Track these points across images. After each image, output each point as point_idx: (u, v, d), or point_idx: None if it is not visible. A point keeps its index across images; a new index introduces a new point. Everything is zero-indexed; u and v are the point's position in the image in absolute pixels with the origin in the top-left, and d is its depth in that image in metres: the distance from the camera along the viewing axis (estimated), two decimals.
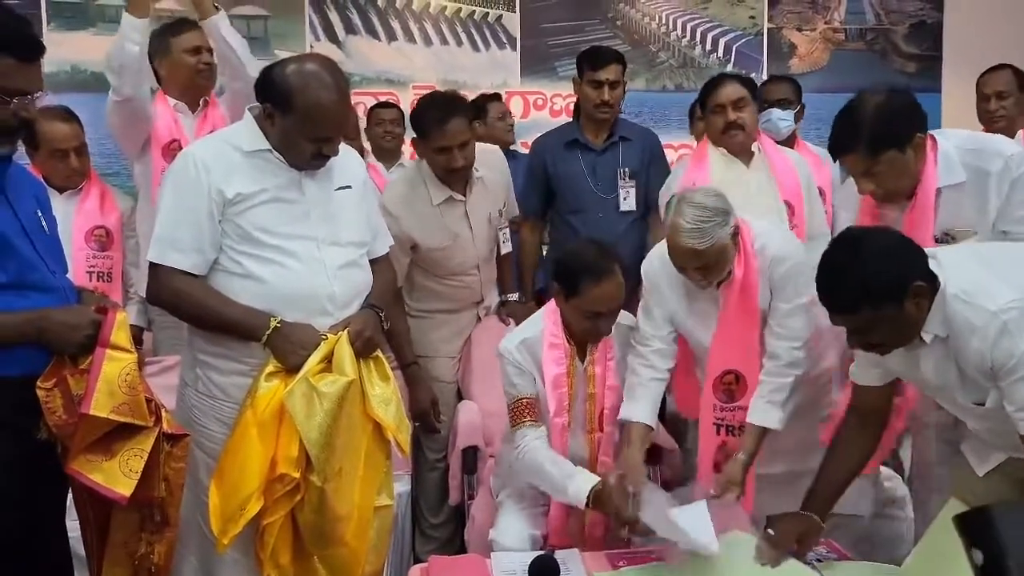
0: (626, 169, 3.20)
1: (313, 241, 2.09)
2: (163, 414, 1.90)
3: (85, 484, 1.83)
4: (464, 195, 2.89)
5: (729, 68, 5.56)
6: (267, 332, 2.01)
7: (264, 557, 2.05)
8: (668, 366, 2.43)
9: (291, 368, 2.01)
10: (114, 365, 1.80)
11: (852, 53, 5.60)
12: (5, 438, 1.80)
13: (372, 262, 2.26)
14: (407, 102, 5.36)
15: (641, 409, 2.37)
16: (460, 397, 3.09)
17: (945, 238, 2.16)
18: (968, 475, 2.09)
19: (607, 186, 3.20)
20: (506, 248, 3.07)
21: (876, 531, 2.57)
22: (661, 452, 2.74)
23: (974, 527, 1.83)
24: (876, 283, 1.82)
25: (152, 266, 2.06)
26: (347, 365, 2.02)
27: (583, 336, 2.40)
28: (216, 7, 2.98)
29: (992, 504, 1.86)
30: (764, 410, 2.31)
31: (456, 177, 2.83)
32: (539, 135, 3.53)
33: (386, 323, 2.20)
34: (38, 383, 1.78)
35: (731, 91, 2.85)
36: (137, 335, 2.92)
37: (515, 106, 5.33)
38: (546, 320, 2.45)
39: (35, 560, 1.89)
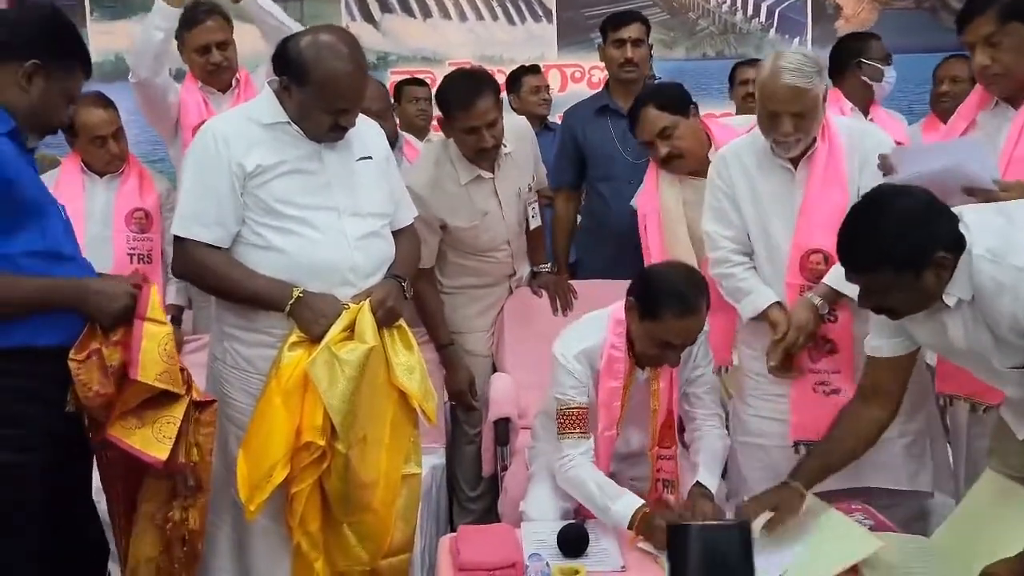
0: None
1: (334, 212, 2.10)
2: (192, 382, 1.97)
3: (123, 449, 1.88)
4: (492, 172, 2.85)
5: (772, 33, 5.46)
6: (290, 302, 2.04)
7: (294, 524, 2.08)
8: (750, 262, 2.40)
9: (314, 337, 2.03)
10: (152, 336, 1.87)
11: (901, 12, 5.43)
12: (35, 410, 1.85)
13: (395, 233, 2.26)
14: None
15: (766, 292, 2.34)
16: (495, 369, 3.08)
17: None
18: (1007, 441, 2.02)
19: (636, 152, 3.12)
20: (535, 223, 3.03)
21: (935, 508, 2.49)
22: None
23: (672, 539, 1.92)
24: (897, 248, 1.77)
25: (177, 240, 2.10)
26: (368, 333, 2.04)
27: (646, 360, 2.28)
28: None
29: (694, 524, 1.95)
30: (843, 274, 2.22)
31: (485, 156, 2.79)
32: (565, 110, 3.51)
33: (408, 292, 2.21)
34: (71, 355, 1.83)
35: (653, 124, 2.71)
36: (177, 314, 2.98)
37: (552, 79, 5.28)
38: (609, 330, 2.29)
39: (65, 532, 1.94)
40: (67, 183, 2.98)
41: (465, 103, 2.67)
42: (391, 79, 5.17)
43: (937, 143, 2.27)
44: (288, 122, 2.08)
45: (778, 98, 2.24)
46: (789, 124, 2.25)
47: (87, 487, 2.04)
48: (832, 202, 2.29)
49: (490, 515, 3.04)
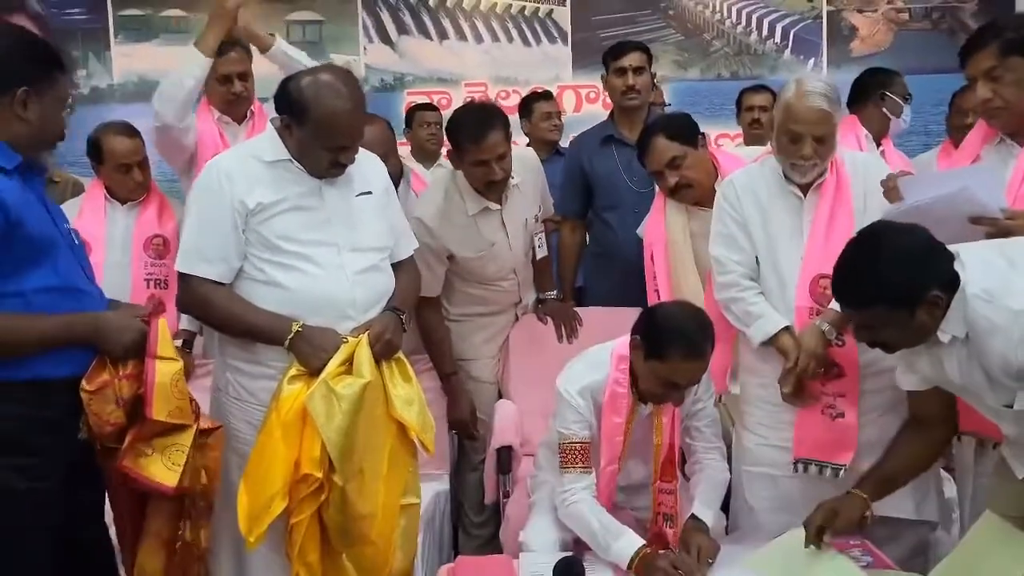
0: None
1: (334, 247, 2.14)
2: (199, 411, 2.06)
3: (134, 478, 1.96)
4: (500, 204, 2.87)
5: (787, 54, 5.46)
6: (289, 336, 2.07)
7: (293, 555, 2.11)
8: (759, 288, 2.40)
9: (313, 371, 2.07)
10: (165, 374, 1.96)
11: (917, 34, 5.41)
12: (51, 439, 1.90)
13: (395, 265, 2.30)
14: (459, 100, 5.43)
15: (776, 317, 2.35)
16: (500, 396, 3.10)
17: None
18: (1006, 481, 2.01)
19: (643, 181, 3.13)
20: (541, 253, 3.05)
21: (937, 542, 2.47)
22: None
23: None
24: (891, 287, 1.79)
25: (181, 276, 2.15)
26: (366, 368, 2.07)
27: (649, 397, 2.29)
28: (272, 35, 3.05)
29: None
30: None
31: (493, 189, 2.81)
32: (577, 134, 3.54)
33: (407, 325, 2.24)
34: (83, 386, 1.90)
35: (662, 155, 2.73)
36: (189, 339, 3.02)
37: (567, 100, 5.33)
38: (612, 366, 2.30)
39: (75, 556, 2.00)
40: (90, 209, 3.06)
41: (475, 137, 2.69)
42: (407, 100, 5.25)
43: (944, 171, 2.26)
44: (290, 159, 2.12)
45: (804, 119, 2.28)
46: (810, 147, 2.29)
47: (98, 511, 2.10)
48: (840, 229, 2.31)
49: (495, 541, 3.05)
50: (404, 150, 4.68)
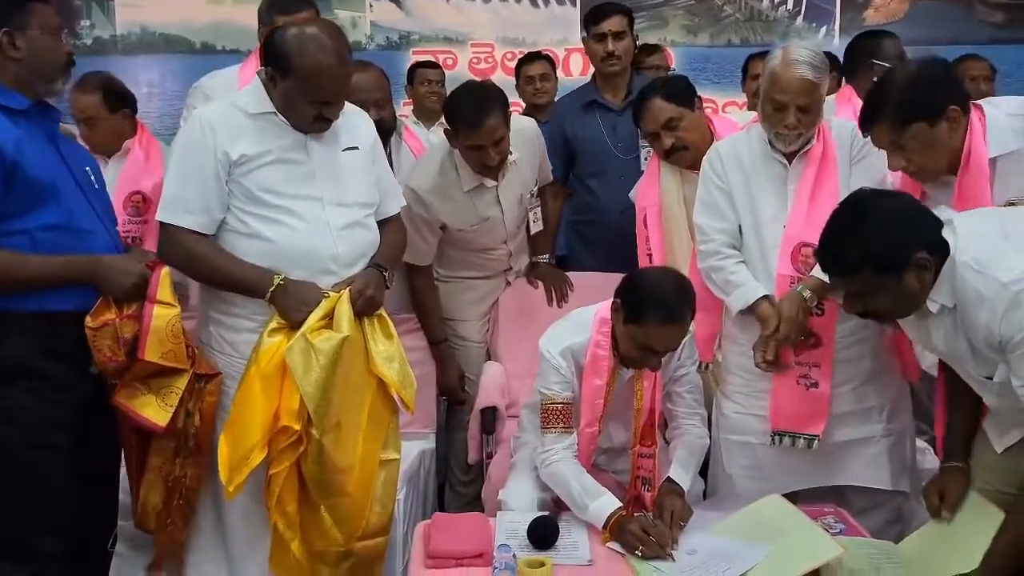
0: None
1: (318, 201, 2.13)
2: (197, 355, 2.14)
3: (126, 414, 2.08)
4: (496, 180, 2.83)
5: (799, 21, 5.37)
6: (271, 289, 2.08)
7: (271, 505, 2.13)
8: (740, 256, 2.40)
9: (293, 324, 2.08)
10: (161, 318, 2.05)
11: (932, 4, 5.30)
12: (59, 367, 2.02)
13: (381, 222, 2.29)
14: (465, 60, 5.38)
15: (756, 286, 2.35)
16: (489, 357, 3.11)
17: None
18: (986, 455, 2.01)
19: (627, 146, 3.12)
20: (536, 227, 3.02)
21: (912, 513, 2.48)
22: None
23: None
24: (877, 250, 1.78)
25: (163, 226, 2.15)
26: (345, 323, 2.08)
27: (628, 361, 2.30)
28: None
29: None
30: None
31: (489, 172, 2.77)
32: (560, 98, 3.49)
33: (391, 282, 2.24)
34: (87, 322, 2.00)
35: (658, 115, 2.69)
36: (183, 292, 3.04)
37: (575, 63, 5.27)
38: (594, 329, 2.31)
39: (90, 484, 2.11)
40: None
41: (472, 122, 2.64)
42: (413, 58, 5.19)
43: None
44: (274, 112, 2.11)
45: (789, 88, 2.26)
46: (794, 116, 2.28)
47: (112, 446, 2.18)
48: (825, 198, 2.31)
49: (480, 500, 3.09)
50: (407, 109, 4.68)
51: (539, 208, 3.05)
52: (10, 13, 1.95)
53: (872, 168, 2.32)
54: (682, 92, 2.75)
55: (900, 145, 2.05)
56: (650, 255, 2.75)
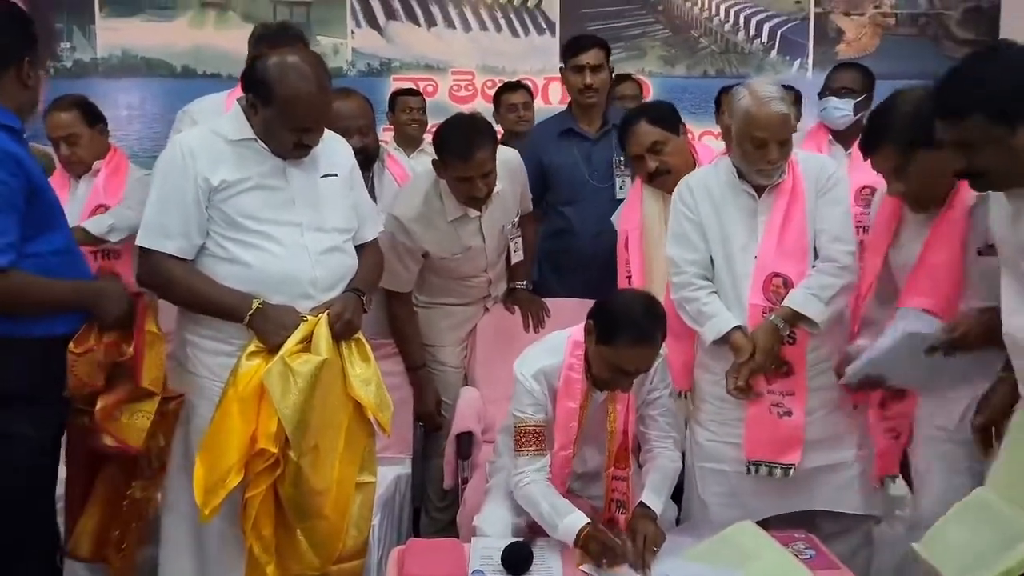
0: (622, 158, 3.14)
1: (297, 227, 2.16)
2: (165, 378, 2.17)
3: (110, 438, 2.10)
4: (479, 211, 2.86)
5: (773, 54, 5.48)
6: (250, 313, 2.10)
7: (247, 528, 2.13)
8: (712, 287, 2.43)
9: (272, 348, 2.09)
10: (152, 349, 2.13)
11: (903, 39, 5.44)
12: (52, 392, 2.04)
13: (359, 247, 2.32)
14: (446, 87, 5.44)
15: (728, 316, 2.37)
16: (467, 382, 3.13)
17: (989, 250, 1.98)
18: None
19: (602, 175, 3.17)
20: (517, 258, 3.06)
21: (880, 536, 2.53)
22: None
23: None
24: (994, 93, 1.66)
25: (142, 251, 2.17)
26: (323, 346, 2.09)
27: (601, 383, 2.34)
28: None
29: None
30: (806, 299, 2.31)
31: (475, 204, 2.80)
32: (536, 125, 3.53)
33: (368, 306, 2.26)
34: (71, 348, 2.03)
35: (644, 138, 2.74)
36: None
37: (554, 92, 5.34)
38: (567, 352, 2.34)
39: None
40: (55, 183, 3.08)
41: (463, 155, 2.66)
42: (394, 85, 5.25)
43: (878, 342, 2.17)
44: (254, 139, 2.14)
45: (769, 126, 2.31)
46: (776, 151, 2.32)
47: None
48: (794, 229, 2.37)
49: (455, 525, 3.09)
50: (387, 135, 4.73)
51: (520, 239, 3.08)
52: (34, 46, 2.04)
53: (838, 200, 2.39)
54: (667, 117, 2.81)
55: (903, 171, 2.05)
56: (629, 278, 2.79)
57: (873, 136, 2.10)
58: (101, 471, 2.16)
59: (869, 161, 2.17)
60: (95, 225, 3.01)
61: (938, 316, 2.05)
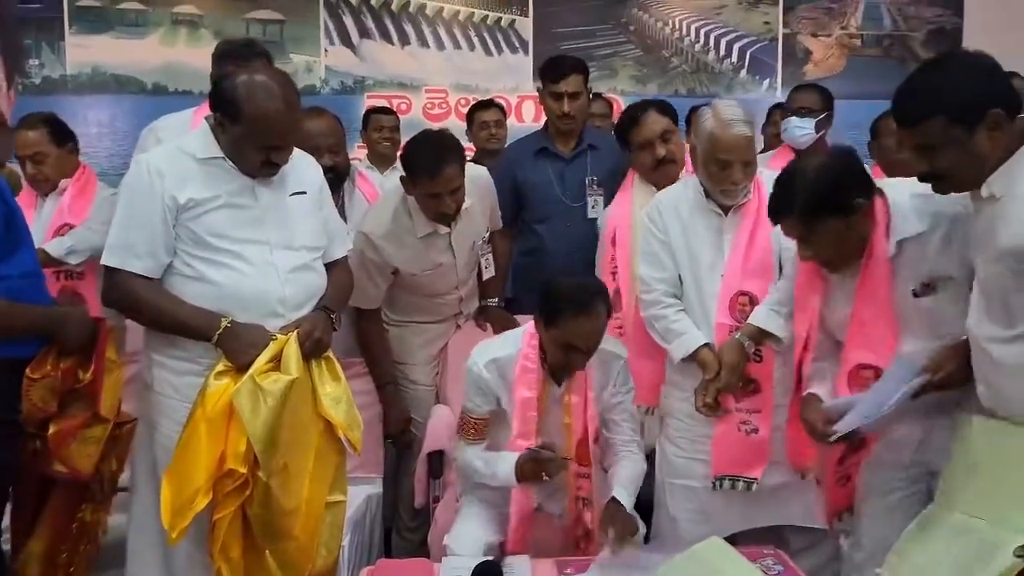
0: (594, 177, 3.19)
1: (266, 245, 2.15)
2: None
3: (61, 464, 2.09)
4: (449, 227, 2.86)
5: (743, 74, 5.55)
6: (218, 332, 2.08)
7: (215, 550, 2.10)
8: (681, 304, 2.47)
9: (241, 367, 2.07)
10: (111, 376, 2.14)
11: (869, 59, 5.54)
12: (14, 415, 2.02)
13: (329, 265, 2.31)
14: (419, 105, 5.46)
15: (697, 334, 2.40)
16: (438, 400, 3.12)
17: (926, 290, 2.01)
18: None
19: (575, 194, 3.20)
20: (488, 274, 3.06)
21: (850, 552, 2.53)
22: None
23: None
24: (952, 97, 1.73)
25: (107, 270, 2.14)
26: (293, 364, 2.08)
27: (556, 368, 2.39)
28: None
29: None
30: (768, 315, 2.34)
31: (444, 220, 2.81)
32: (511, 144, 3.56)
33: (338, 324, 2.25)
34: (27, 373, 2.01)
35: (654, 125, 2.80)
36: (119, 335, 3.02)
37: (527, 110, 5.38)
38: (523, 342, 2.41)
39: None
40: (23, 201, 3.05)
41: (430, 172, 2.67)
42: (367, 103, 5.26)
43: (862, 395, 2.08)
44: (222, 157, 2.13)
45: (734, 148, 2.34)
46: (740, 172, 2.36)
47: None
48: (760, 248, 2.40)
49: (427, 546, 3.07)
50: (361, 153, 4.73)
51: (490, 255, 3.08)
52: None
53: None
54: (671, 111, 2.90)
55: (808, 239, 2.06)
56: (615, 273, 2.80)
57: (776, 206, 2.10)
58: (51, 494, 2.14)
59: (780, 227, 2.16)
60: (54, 247, 2.99)
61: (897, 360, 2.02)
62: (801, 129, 3.32)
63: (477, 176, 2.96)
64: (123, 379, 2.16)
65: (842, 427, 2.01)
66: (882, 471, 2.15)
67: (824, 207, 1.99)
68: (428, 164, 2.68)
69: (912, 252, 2.01)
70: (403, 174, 2.80)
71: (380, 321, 3.01)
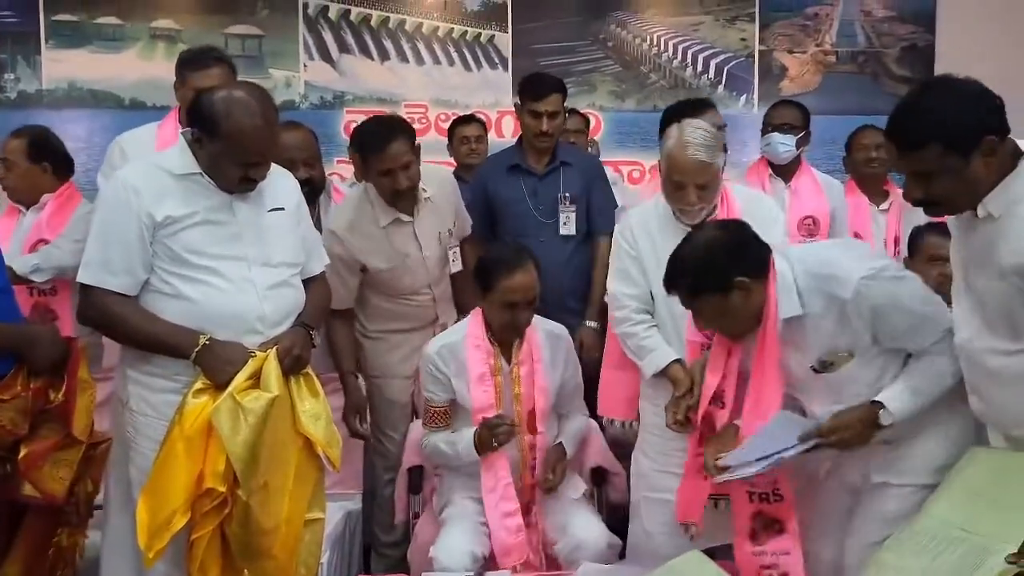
0: (567, 194, 3.23)
1: (244, 262, 2.14)
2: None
3: (32, 488, 2.01)
4: (412, 216, 2.90)
5: (720, 89, 5.60)
6: (196, 349, 2.07)
7: (192, 570, 2.08)
8: (652, 321, 2.50)
9: (219, 385, 2.06)
10: (84, 396, 2.08)
11: (843, 76, 5.60)
12: None
13: (307, 281, 2.31)
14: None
15: (667, 351, 2.43)
16: (416, 416, 3.11)
17: (825, 366, 2.06)
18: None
19: (548, 211, 3.24)
20: (455, 267, 3.07)
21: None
22: (606, 474, 2.76)
23: None
24: (948, 121, 1.75)
25: (83, 287, 2.13)
26: (273, 382, 2.07)
27: (504, 332, 2.55)
28: None
29: None
30: None
31: (403, 199, 2.84)
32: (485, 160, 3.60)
33: (317, 340, 2.24)
34: None
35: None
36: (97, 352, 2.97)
37: (507, 126, 5.39)
38: (469, 324, 2.60)
39: None
40: (7, 214, 3.07)
41: (378, 146, 2.74)
42: (346, 118, 5.26)
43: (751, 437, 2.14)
44: (200, 173, 2.12)
45: (687, 170, 2.35)
46: (694, 195, 2.37)
47: None
48: None
49: (406, 562, 3.05)
50: (340, 168, 4.72)
51: (457, 249, 3.09)
52: None
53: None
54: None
55: (698, 312, 2.13)
56: None
57: (665, 279, 2.15)
58: (25, 518, 2.07)
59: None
60: (20, 264, 2.94)
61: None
62: (784, 145, 3.36)
63: (437, 172, 3.09)
64: (95, 399, 2.10)
65: (730, 460, 2.09)
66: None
67: (703, 285, 2.05)
68: (376, 140, 2.76)
69: (805, 329, 2.05)
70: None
71: (352, 323, 3.01)
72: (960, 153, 1.75)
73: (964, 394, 1.97)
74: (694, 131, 2.38)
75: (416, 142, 2.82)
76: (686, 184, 2.36)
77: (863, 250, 2.15)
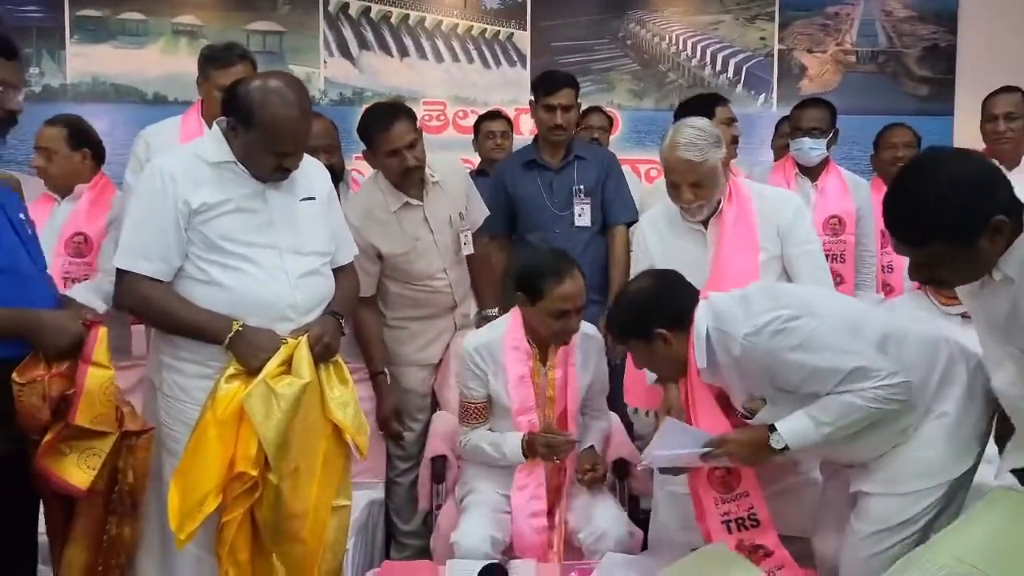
0: (581, 187, 3.31)
1: (276, 250, 2.17)
2: (126, 414, 2.06)
3: (47, 477, 1.96)
4: (421, 199, 2.95)
5: (739, 89, 5.60)
6: (229, 335, 2.09)
7: (222, 553, 2.11)
8: None
9: (252, 370, 2.09)
10: (95, 381, 1.97)
11: (864, 75, 5.59)
12: (6, 415, 1.90)
13: (336, 271, 2.34)
14: (418, 117, 5.46)
15: None
16: (436, 406, 3.13)
17: (748, 411, 2.13)
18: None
19: (563, 203, 3.31)
20: (467, 250, 3.09)
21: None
22: (628, 466, 2.77)
23: None
24: (949, 220, 1.64)
25: (119, 272, 2.16)
26: (305, 368, 2.10)
27: (552, 338, 2.53)
28: None
29: None
30: None
31: (411, 179, 2.89)
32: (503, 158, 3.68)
33: (346, 329, 2.27)
34: (14, 377, 1.90)
35: (720, 115, 2.85)
36: (124, 342, 2.98)
37: (525, 123, 5.41)
38: (509, 324, 2.58)
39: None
40: (39, 203, 3.07)
41: (382, 127, 2.81)
42: None
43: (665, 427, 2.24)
44: (234, 162, 2.15)
45: (676, 170, 2.42)
46: (689, 193, 2.43)
47: (31, 512, 2.10)
48: (741, 259, 2.46)
49: (427, 552, 3.07)
50: (360, 164, 4.74)
51: (470, 232, 3.11)
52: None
53: (807, 240, 2.56)
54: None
55: (634, 355, 2.25)
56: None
57: (606, 322, 2.33)
58: (78, 505, 2.04)
59: None
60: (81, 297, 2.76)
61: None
62: (816, 150, 3.39)
63: (447, 159, 3.15)
64: (113, 386, 1.99)
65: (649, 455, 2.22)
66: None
67: (628, 332, 2.21)
68: (379, 121, 2.83)
69: (723, 377, 2.13)
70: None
71: (377, 308, 3.04)
72: (965, 242, 1.65)
73: (943, 400, 2.00)
74: (684, 131, 2.42)
75: (417, 123, 2.91)
76: (679, 183, 2.42)
77: (768, 302, 2.05)
